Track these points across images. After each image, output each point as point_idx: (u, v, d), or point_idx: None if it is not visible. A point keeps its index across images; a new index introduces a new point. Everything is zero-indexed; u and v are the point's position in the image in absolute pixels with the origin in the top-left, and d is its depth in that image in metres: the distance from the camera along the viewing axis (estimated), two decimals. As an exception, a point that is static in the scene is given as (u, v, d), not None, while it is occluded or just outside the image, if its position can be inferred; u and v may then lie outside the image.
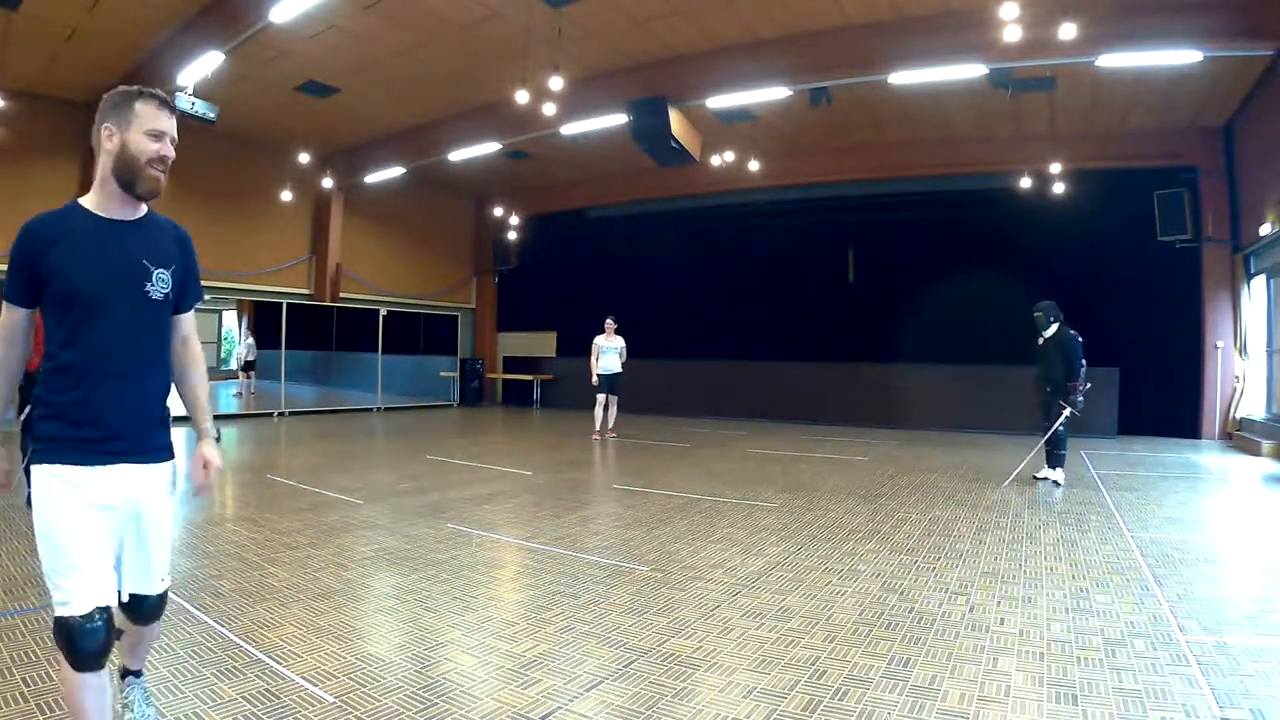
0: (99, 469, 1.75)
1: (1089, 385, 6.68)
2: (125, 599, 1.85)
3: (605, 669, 2.63)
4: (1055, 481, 6.60)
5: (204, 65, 8.15)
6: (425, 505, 5.48)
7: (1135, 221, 10.69)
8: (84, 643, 1.64)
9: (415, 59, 9.43)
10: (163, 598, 1.95)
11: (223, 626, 2.95)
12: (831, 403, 12.73)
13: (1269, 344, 9.75)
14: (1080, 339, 6.61)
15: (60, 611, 1.65)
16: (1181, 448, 9.38)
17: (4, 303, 1.73)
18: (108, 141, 1.77)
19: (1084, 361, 6.57)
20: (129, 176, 1.77)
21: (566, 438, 10.35)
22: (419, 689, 2.44)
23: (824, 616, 3.20)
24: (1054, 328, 6.75)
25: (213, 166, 12.05)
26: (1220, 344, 10.27)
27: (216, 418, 12.21)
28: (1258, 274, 9.87)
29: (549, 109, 9.04)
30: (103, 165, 1.78)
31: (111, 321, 1.76)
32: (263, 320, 15.90)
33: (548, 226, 16.20)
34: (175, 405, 1.94)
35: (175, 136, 1.84)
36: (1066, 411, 6.57)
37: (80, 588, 1.67)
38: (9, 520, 4.66)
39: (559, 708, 2.32)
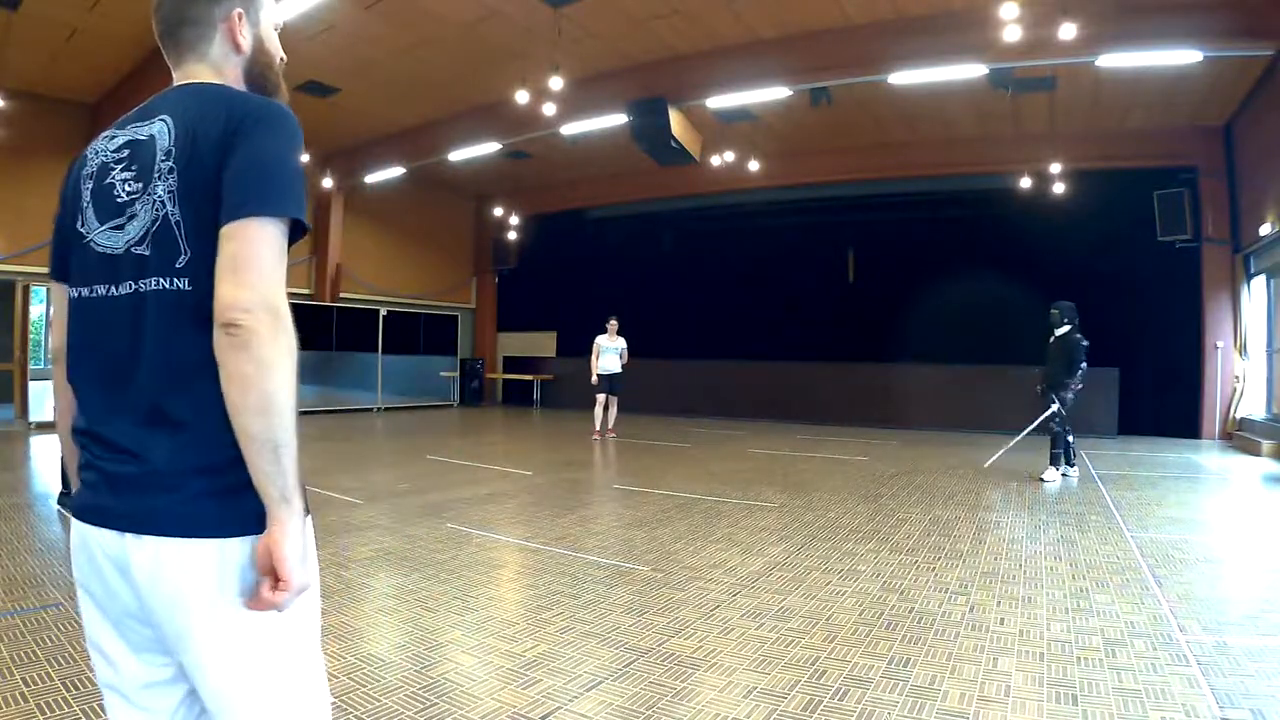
0: None
1: (1081, 386, 6.85)
2: None
3: (605, 669, 2.63)
4: (1042, 478, 6.68)
5: (204, 65, 8.16)
6: (425, 505, 5.47)
7: (1135, 221, 10.69)
8: None
9: (415, 59, 9.42)
10: None
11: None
12: (831, 403, 12.73)
13: (1269, 344, 9.75)
14: (1086, 344, 6.76)
15: None
16: (1181, 448, 9.38)
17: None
18: (241, 34, 1.20)
19: (1084, 365, 6.74)
20: (269, 85, 1.27)
21: (566, 438, 10.35)
22: (419, 689, 2.43)
23: (824, 616, 3.19)
24: (1065, 329, 6.90)
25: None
26: (1220, 344, 10.26)
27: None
28: (1258, 274, 9.87)
29: (549, 109, 9.05)
30: (233, 67, 1.21)
31: None
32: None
33: (548, 226, 16.19)
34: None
35: None
36: (1054, 406, 6.77)
37: None
38: (9, 520, 4.66)
39: (559, 708, 2.32)
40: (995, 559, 4.11)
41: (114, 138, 1.12)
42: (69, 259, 1.12)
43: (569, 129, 10.41)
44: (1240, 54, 7.74)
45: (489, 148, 11.47)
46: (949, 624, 3.08)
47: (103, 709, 2.18)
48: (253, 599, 0.99)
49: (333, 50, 9.02)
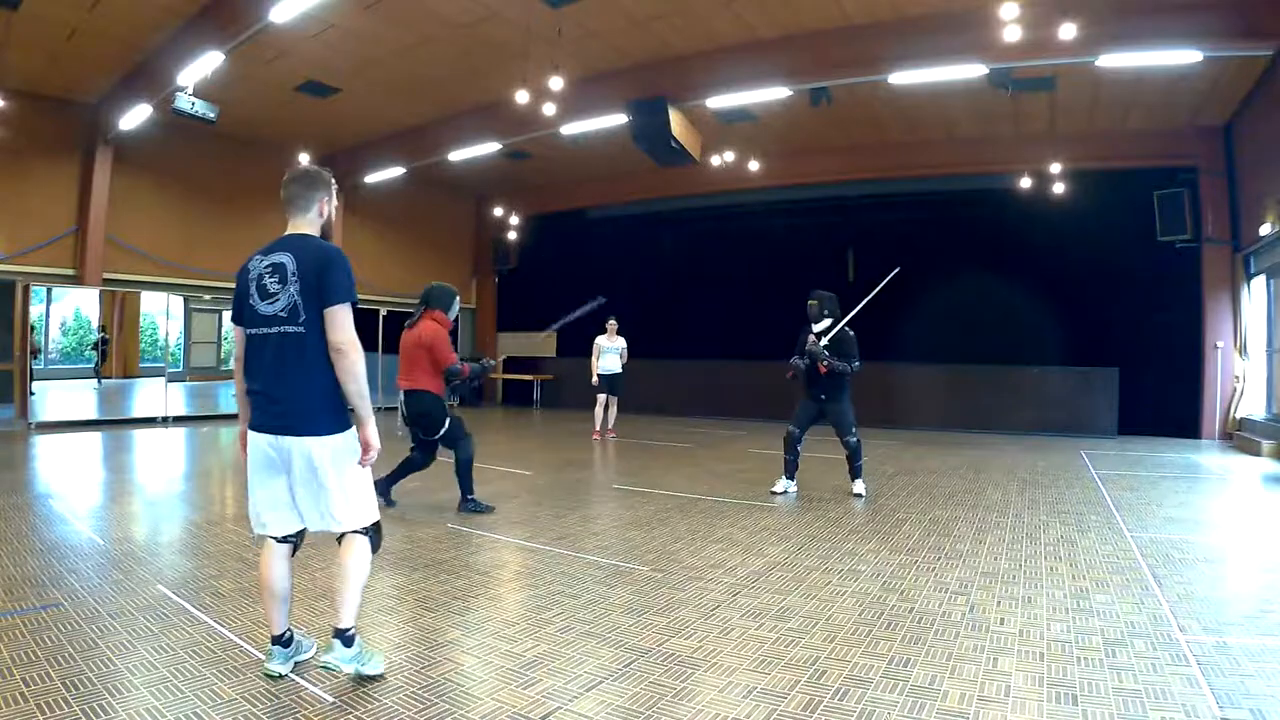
0: None
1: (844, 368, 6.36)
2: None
3: (605, 669, 2.63)
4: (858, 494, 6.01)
5: (204, 65, 8.14)
6: (425, 505, 5.47)
7: (1135, 221, 10.67)
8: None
9: (415, 59, 9.42)
10: None
11: (223, 626, 2.95)
12: (831, 403, 12.68)
13: (1269, 344, 9.74)
14: (854, 336, 6.25)
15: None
16: (1181, 448, 9.38)
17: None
18: (324, 209, 2.60)
19: (859, 360, 6.39)
20: (329, 234, 2.62)
21: (566, 438, 10.35)
22: (419, 689, 2.43)
23: (824, 616, 3.19)
24: (827, 323, 6.33)
25: (212, 167, 12.08)
26: (1220, 344, 10.25)
27: (217, 418, 12.26)
28: (1258, 274, 9.86)
29: (549, 109, 9.04)
30: (319, 223, 2.59)
31: None
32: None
33: (548, 226, 16.17)
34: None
35: None
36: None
37: None
38: (9, 520, 4.67)
39: (559, 708, 2.32)
40: (995, 559, 4.11)
41: (263, 260, 2.44)
42: (243, 314, 2.47)
43: (569, 129, 10.40)
44: (1240, 54, 7.73)
45: (489, 148, 11.46)
46: (949, 624, 3.08)
47: (103, 710, 2.19)
48: (360, 460, 2.48)
49: (333, 50, 9.02)
